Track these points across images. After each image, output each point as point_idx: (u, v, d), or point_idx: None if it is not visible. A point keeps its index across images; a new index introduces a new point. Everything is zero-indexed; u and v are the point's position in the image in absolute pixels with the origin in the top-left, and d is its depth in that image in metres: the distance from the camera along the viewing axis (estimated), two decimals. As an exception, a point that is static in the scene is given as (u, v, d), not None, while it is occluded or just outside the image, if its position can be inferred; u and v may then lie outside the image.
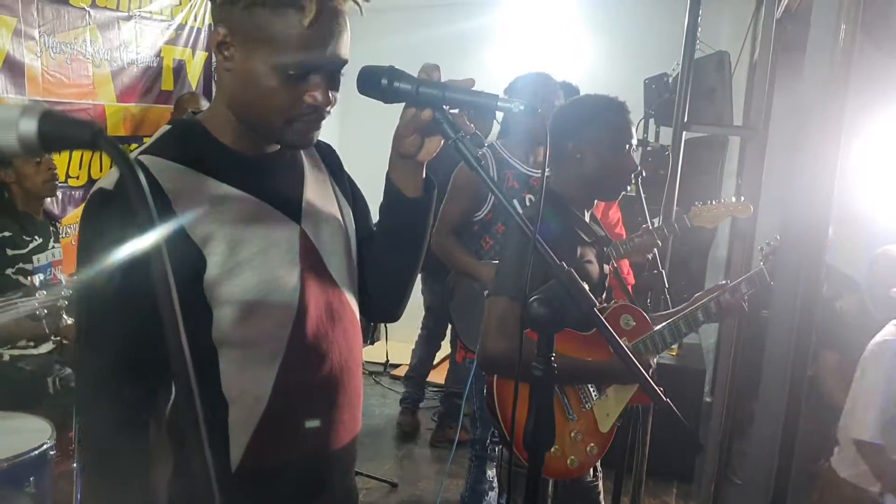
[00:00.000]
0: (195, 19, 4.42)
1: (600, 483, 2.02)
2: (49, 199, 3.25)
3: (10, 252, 2.82)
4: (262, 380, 1.11)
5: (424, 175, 1.22)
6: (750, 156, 3.47)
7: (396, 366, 5.12)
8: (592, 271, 1.85)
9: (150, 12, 4.06)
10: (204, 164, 1.09)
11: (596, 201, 1.99)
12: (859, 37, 1.47)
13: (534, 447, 1.09)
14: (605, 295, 2.00)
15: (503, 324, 1.69)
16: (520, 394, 1.15)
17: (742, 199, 2.68)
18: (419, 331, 4.29)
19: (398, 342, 5.12)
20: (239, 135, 1.12)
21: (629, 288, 2.40)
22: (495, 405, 1.78)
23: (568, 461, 1.80)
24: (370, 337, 5.13)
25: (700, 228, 2.68)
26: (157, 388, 1.06)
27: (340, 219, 1.26)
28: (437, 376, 4.66)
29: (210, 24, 3.98)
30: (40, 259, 2.94)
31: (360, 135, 4.17)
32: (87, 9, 3.63)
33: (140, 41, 4.00)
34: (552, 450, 1.72)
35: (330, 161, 1.32)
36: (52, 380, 2.80)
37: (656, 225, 2.64)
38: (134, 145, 3.68)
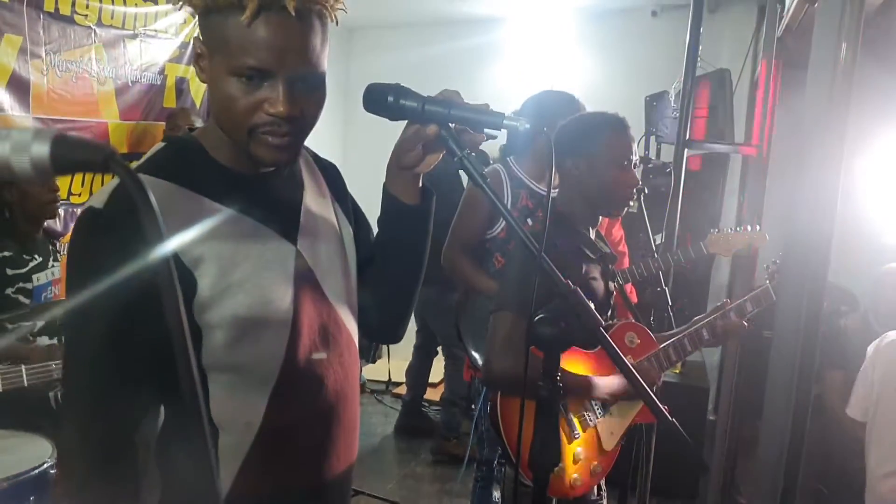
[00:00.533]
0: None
1: (604, 501, 2.00)
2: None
3: (9, 272, 2.80)
4: (253, 405, 1.07)
5: (421, 184, 1.21)
6: (752, 173, 3.48)
7: (398, 384, 5.10)
8: (597, 288, 1.85)
9: (156, 30, 4.08)
10: (198, 182, 1.06)
11: (601, 218, 1.99)
12: (860, 54, 1.48)
13: (539, 467, 1.08)
14: (609, 312, 1.99)
15: (508, 341, 1.68)
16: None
17: (758, 227, 2.68)
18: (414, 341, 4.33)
19: (400, 360, 5.10)
20: (234, 152, 1.09)
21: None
22: (499, 422, 1.77)
23: (571, 479, 1.78)
24: (371, 356, 5.10)
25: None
26: (145, 411, 1.03)
27: (340, 240, 1.22)
28: (434, 394, 4.68)
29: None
30: (40, 278, 2.92)
31: (363, 149, 4.18)
32: (93, 27, 3.65)
33: (145, 59, 4.02)
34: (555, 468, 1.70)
35: (334, 183, 1.28)
36: (55, 395, 2.78)
37: (658, 242, 2.64)
38: (134, 162, 3.68)
